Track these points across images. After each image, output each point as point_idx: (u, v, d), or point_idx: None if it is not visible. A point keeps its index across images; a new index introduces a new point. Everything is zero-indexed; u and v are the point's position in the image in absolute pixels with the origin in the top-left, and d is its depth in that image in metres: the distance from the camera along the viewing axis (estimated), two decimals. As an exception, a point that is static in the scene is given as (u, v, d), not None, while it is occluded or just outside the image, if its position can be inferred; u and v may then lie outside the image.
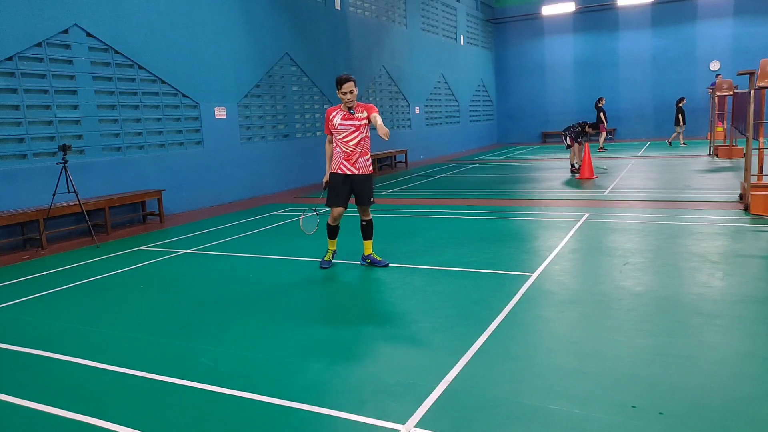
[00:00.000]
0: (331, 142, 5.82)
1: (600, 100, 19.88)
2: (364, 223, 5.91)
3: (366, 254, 6.00)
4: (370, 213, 5.94)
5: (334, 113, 5.72)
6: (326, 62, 15.07)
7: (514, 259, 5.96)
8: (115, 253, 7.31)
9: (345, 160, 5.70)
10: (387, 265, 5.91)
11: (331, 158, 5.82)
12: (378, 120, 5.46)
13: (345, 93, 5.53)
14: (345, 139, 5.68)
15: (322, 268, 5.96)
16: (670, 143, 20.40)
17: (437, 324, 4.16)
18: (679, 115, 19.57)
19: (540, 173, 14.03)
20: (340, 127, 5.66)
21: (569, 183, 11.82)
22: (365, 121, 5.68)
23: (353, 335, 4.08)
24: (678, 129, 19.85)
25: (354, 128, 5.67)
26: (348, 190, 5.75)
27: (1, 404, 3.29)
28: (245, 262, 6.50)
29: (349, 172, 5.70)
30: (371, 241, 5.99)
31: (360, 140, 5.67)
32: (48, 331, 4.52)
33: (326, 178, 5.83)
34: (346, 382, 3.31)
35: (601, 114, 19.60)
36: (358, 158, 5.70)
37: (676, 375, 3.15)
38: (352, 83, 5.54)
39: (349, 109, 5.62)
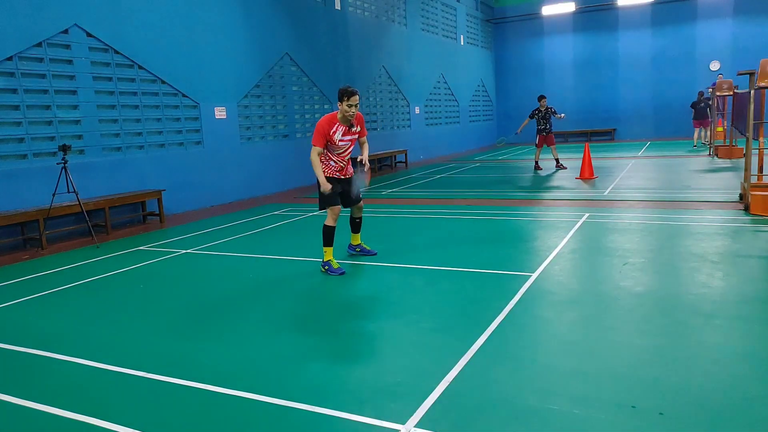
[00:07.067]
0: (320, 153, 5.51)
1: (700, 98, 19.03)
2: (357, 220, 6.18)
3: (355, 244, 6.36)
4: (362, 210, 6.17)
5: (333, 128, 5.49)
6: (326, 62, 15.07)
7: (514, 259, 5.96)
8: (115, 253, 7.31)
9: (338, 172, 5.76)
10: (375, 254, 6.30)
11: (319, 165, 5.55)
12: (366, 150, 5.75)
13: (351, 105, 5.38)
14: (342, 154, 5.71)
15: (340, 274, 5.59)
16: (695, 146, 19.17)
17: (437, 324, 4.16)
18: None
19: (540, 173, 14.02)
20: (340, 143, 5.59)
21: (569, 183, 11.81)
22: (356, 135, 5.75)
23: (353, 335, 4.08)
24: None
25: (350, 143, 5.72)
26: (339, 190, 5.81)
27: (1, 404, 3.29)
28: (245, 262, 6.50)
29: (342, 177, 5.82)
30: (359, 234, 6.34)
31: (350, 151, 5.81)
32: (48, 331, 4.52)
33: (327, 184, 5.50)
34: (345, 382, 3.31)
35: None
36: (347, 167, 5.85)
37: (676, 375, 3.15)
38: (358, 96, 5.41)
39: (351, 125, 5.60)
